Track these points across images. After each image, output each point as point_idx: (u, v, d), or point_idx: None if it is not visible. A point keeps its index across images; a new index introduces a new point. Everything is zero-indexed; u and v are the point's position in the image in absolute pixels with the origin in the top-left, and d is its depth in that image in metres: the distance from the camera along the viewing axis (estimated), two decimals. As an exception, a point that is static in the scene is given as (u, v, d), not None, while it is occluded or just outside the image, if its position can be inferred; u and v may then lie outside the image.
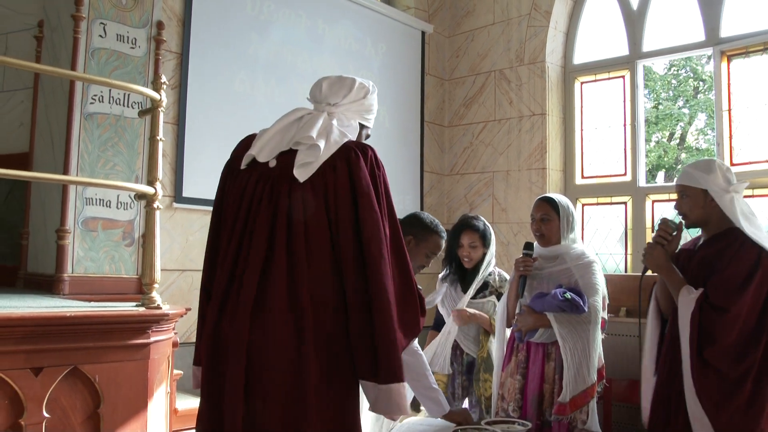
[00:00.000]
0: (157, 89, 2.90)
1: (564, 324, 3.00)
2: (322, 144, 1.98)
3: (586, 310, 2.99)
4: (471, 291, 3.55)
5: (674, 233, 2.81)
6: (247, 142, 2.16)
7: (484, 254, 3.56)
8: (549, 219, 3.20)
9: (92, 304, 2.88)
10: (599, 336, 3.06)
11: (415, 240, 2.90)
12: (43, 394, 2.37)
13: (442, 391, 3.46)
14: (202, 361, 2.04)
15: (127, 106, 3.70)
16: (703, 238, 2.84)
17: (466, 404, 3.51)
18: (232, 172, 2.15)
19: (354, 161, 1.99)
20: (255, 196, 2.02)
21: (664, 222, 2.84)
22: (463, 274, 3.62)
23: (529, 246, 3.23)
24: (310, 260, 1.92)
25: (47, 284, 3.45)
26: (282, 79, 4.81)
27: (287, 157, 2.03)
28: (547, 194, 3.33)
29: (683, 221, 2.82)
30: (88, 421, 2.52)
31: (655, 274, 2.88)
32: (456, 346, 3.56)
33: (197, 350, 2.16)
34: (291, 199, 1.96)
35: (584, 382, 2.98)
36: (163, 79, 2.93)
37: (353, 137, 2.13)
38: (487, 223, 3.63)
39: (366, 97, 2.20)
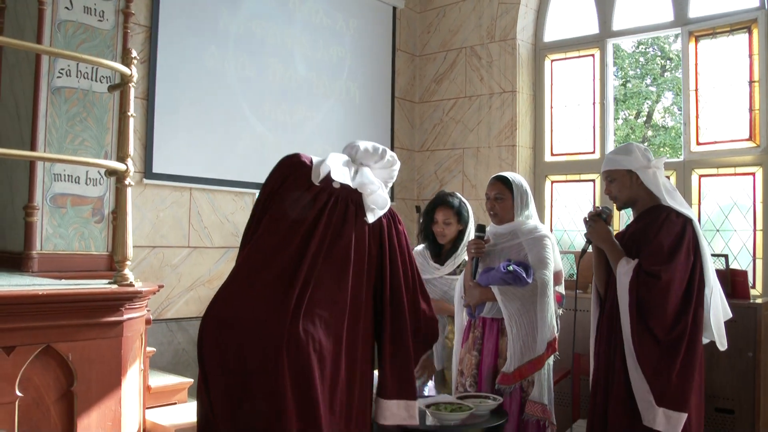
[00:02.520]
0: (127, 64, 2.85)
1: (509, 296, 3.06)
2: (386, 194, 2.44)
3: (530, 281, 3.04)
4: (447, 266, 3.57)
5: (609, 212, 3.06)
6: (297, 158, 2.52)
7: (460, 231, 3.58)
8: (502, 198, 3.24)
9: (63, 281, 2.86)
10: (550, 308, 3.10)
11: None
12: (16, 373, 2.35)
13: None
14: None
15: (96, 81, 3.63)
16: (633, 217, 3.05)
17: (432, 382, 3.54)
18: (297, 184, 2.44)
19: (396, 218, 2.51)
20: (337, 211, 2.37)
21: (597, 207, 3.12)
22: (437, 250, 3.64)
23: (480, 228, 3.28)
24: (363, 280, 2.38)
25: (15, 262, 3.40)
26: (252, 53, 4.76)
27: (347, 186, 2.41)
28: (500, 173, 3.37)
29: (615, 204, 3.06)
30: (61, 399, 2.50)
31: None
32: None
33: None
34: (356, 226, 2.37)
35: (531, 352, 3.04)
36: (134, 53, 2.88)
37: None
38: (464, 200, 3.65)
39: (392, 166, 2.56)
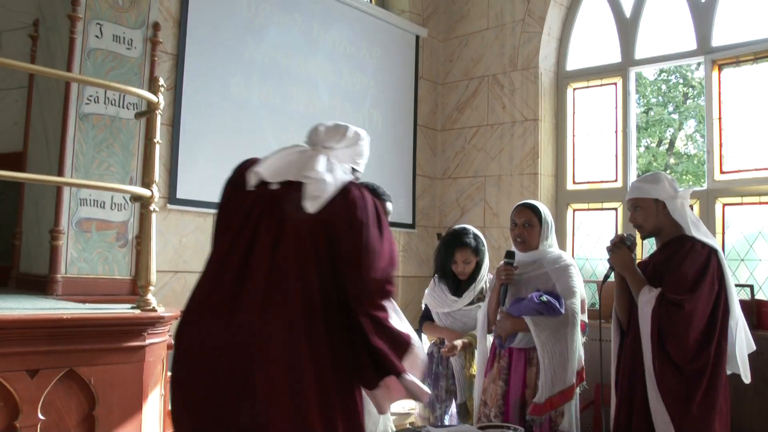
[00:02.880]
0: (154, 91, 2.90)
1: (541, 326, 3.04)
2: (330, 179, 2.16)
3: (563, 312, 3.02)
4: (466, 297, 3.57)
5: (633, 239, 3.01)
6: (248, 164, 2.28)
7: (477, 263, 3.58)
8: (531, 225, 3.24)
9: (87, 305, 2.88)
10: (578, 338, 3.09)
11: None
12: (39, 396, 2.36)
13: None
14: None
15: (123, 107, 3.69)
16: (657, 248, 3.02)
17: (453, 407, 3.51)
18: (236, 189, 2.25)
19: (355, 197, 2.15)
20: (263, 212, 2.15)
21: (621, 235, 3.05)
22: (456, 284, 3.64)
23: (510, 255, 3.27)
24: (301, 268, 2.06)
25: (40, 285, 3.44)
26: (277, 81, 4.81)
27: (290, 185, 2.17)
28: (527, 201, 3.37)
29: (639, 232, 3.02)
30: (83, 423, 2.51)
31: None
32: (440, 350, 3.58)
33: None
34: (294, 219, 2.11)
35: (562, 383, 3.01)
36: (161, 81, 2.93)
37: (348, 178, 2.28)
38: (477, 234, 3.65)
39: (358, 143, 2.37)
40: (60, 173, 3.43)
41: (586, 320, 3.29)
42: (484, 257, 3.60)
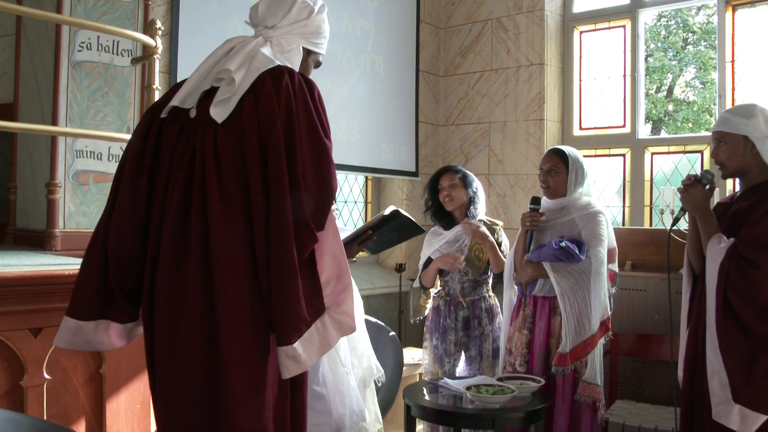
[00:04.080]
0: (151, 35, 2.77)
1: (561, 273, 2.95)
2: (239, 77, 1.78)
3: (583, 258, 2.93)
4: (452, 231, 3.47)
5: (712, 178, 2.66)
6: (177, 87, 1.95)
7: (469, 199, 3.48)
8: (557, 171, 3.13)
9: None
10: (603, 287, 3.00)
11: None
12: (43, 355, 2.29)
13: (435, 354, 3.42)
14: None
15: (117, 54, 3.53)
16: (740, 191, 2.69)
17: (462, 361, 3.45)
18: (155, 121, 1.93)
19: (265, 90, 1.76)
20: (177, 151, 1.83)
21: (706, 171, 2.69)
22: (448, 221, 3.53)
23: (536, 201, 3.17)
24: (226, 212, 1.74)
25: (38, 240, 3.32)
26: (275, 26, 4.63)
27: (210, 100, 1.83)
28: (558, 146, 3.25)
29: (720, 171, 2.66)
30: (89, 381, 2.45)
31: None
32: (451, 302, 3.48)
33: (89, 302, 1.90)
34: (214, 146, 1.77)
35: (584, 332, 2.94)
36: (158, 24, 2.78)
37: (295, 64, 1.91)
38: (466, 170, 3.58)
39: (310, 17, 1.96)
40: (54, 124, 3.29)
41: (616, 270, 3.20)
42: (475, 195, 3.48)
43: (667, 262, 2.77)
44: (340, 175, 5.38)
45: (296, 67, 1.91)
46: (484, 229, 3.39)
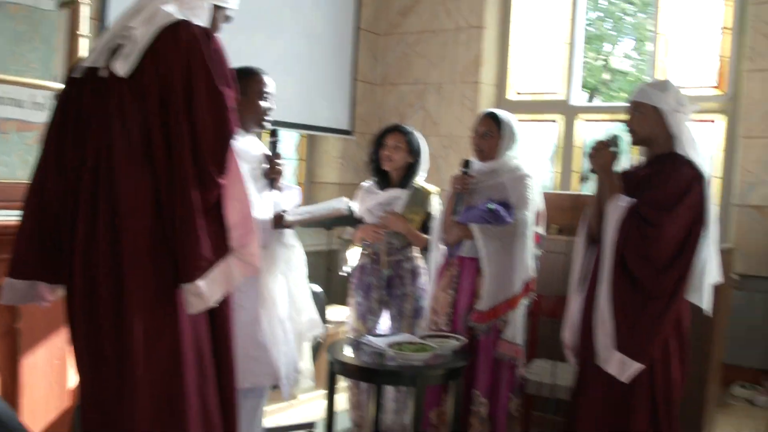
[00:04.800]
0: (77, -22, 2.65)
1: (488, 235, 3.00)
2: (139, 33, 1.85)
3: (510, 221, 2.98)
4: (387, 193, 3.49)
5: (619, 143, 2.82)
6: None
7: (410, 164, 3.46)
8: (491, 135, 3.15)
9: (5, 212, 2.69)
10: (528, 248, 3.05)
11: (242, 93, 2.53)
12: (-46, 308, 2.21)
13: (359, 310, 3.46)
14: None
15: (43, -3, 3.39)
16: (645, 159, 2.87)
17: (385, 317, 3.48)
18: (73, 84, 1.99)
19: (162, 44, 1.84)
20: (91, 110, 1.91)
21: (614, 136, 2.84)
22: (385, 182, 3.52)
23: (466, 164, 3.18)
24: (130, 164, 1.84)
25: (-47, 190, 3.20)
26: (209, -25, 4.49)
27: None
28: (493, 109, 3.26)
29: (631, 137, 2.84)
30: (5, 336, 2.40)
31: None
32: (376, 260, 3.50)
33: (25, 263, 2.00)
34: (120, 105, 1.86)
35: (506, 292, 3.01)
36: (84, -33, 2.67)
37: (202, 19, 1.98)
38: (417, 133, 3.52)
39: None
40: (-28, 68, 3.15)
41: (543, 232, 3.26)
42: (418, 159, 3.47)
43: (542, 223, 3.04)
44: (274, 132, 5.32)
45: (204, 23, 1.97)
46: (399, 222, 3.38)
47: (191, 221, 1.81)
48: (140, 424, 1.83)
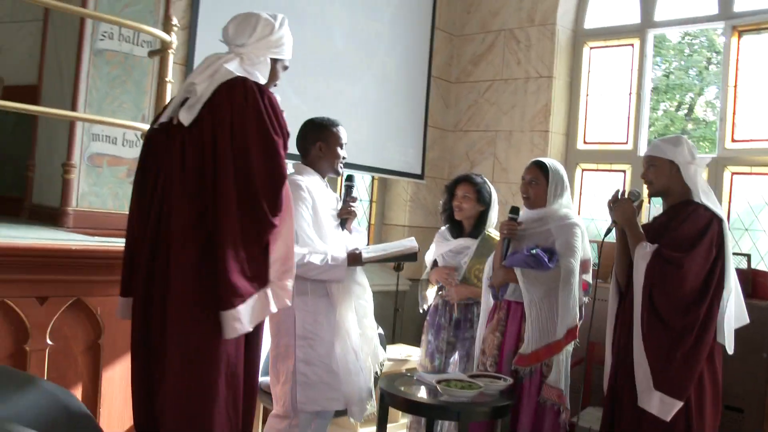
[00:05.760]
0: (167, 31, 2.94)
1: (531, 279, 3.09)
2: (201, 88, 2.14)
3: (551, 267, 3.05)
4: (460, 241, 3.63)
5: (639, 195, 3.06)
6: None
7: (481, 212, 3.60)
8: (537, 182, 3.26)
9: (96, 238, 2.96)
10: (573, 295, 3.09)
11: (323, 143, 2.99)
12: (47, 322, 2.46)
13: (428, 349, 3.60)
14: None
15: (137, 45, 3.70)
16: (662, 209, 3.06)
17: (454, 359, 3.60)
18: (153, 131, 2.32)
19: (219, 98, 2.12)
20: (165, 154, 2.20)
21: (633, 189, 3.11)
22: (457, 229, 3.67)
23: (514, 210, 3.30)
24: (183, 202, 2.11)
25: (52, 217, 3.51)
26: (292, 24, 4.66)
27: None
28: (540, 158, 3.37)
29: (647, 189, 3.05)
30: (88, 350, 2.62)
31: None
32: (447, 302, 3.64)
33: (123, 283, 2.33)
34: (182, 150, 2.13)
35: (548, 336, 3.06)
36: (174, 21, 2.96)
37: (263, 74, 2.27)
38: (489, 183, 3.66)
39: (273, 33, 2.32)
40: (73, 108, 3.47)
41: (590, 280, 3.32)
42: (489, 207, 3.60)
43: (596, 273, 3.27)
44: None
45: (265, 76, 2.29)
46: (463, 291, 3.55)
47: (233, 254, 2.05)
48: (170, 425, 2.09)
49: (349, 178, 3.10)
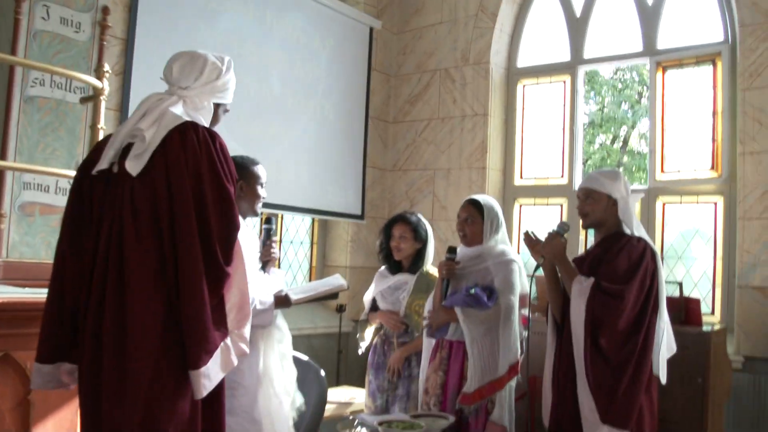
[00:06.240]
0: (99, 77, 2.91)
1: (472, 318, 3.10)
2: (149, 134, 2.02)
3: (490, 305, 3.08)
4: (398, 277, 3.65)
5: (567, 228, 3.10)
6: (103, 143, 2.19)
7: (417, 250, 3.63)
8: (473, 220, 3.30)
9: (27, 290, 2.88)
10: (514, 331, 3.12)
11: (244, 181, 2.82)
12: (-28, 379, 2.37)
13: (370, 388, 3.58)
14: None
15: (69, 91, 3.67)
16: (594, 241, 3.13)
17: (399, 395, 3.59)
18: (86, 177, 2.15)
19: (172, 144, 2.00)
20: (104, 203, 2.07)
21: (563, 222, 3.14)
22: (396, 268, 3.69)
23: (451, 250, 3.32)
24: (140, 254, 1.97)
25: (-20, 268, 3.41)
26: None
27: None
28: (474, 196, 3.42)
29: (582, 220, 3.10)
30: (17, 408, 2.53)
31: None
32: (386, 341, 3.65)
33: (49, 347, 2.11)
34: (132, 199, 2.01)
35: (491, 373, 3.08)
36: (106, 67, 2.94)
37: (206, 119, 2.19)
38: (424, 220, 3.71)
39: (219, 78, 2.23)
40: (3, 157, 3.40)
41: (528, 315, 3.37)
42: (426, 244, 3.65)
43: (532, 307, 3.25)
44: (287, 216, 5.53)
45: (207, 121, 2.19)
46: (398, 325, 3.59)
47: (202, 312, 1.94)
48: None
49: (269, 221, 3.05)
